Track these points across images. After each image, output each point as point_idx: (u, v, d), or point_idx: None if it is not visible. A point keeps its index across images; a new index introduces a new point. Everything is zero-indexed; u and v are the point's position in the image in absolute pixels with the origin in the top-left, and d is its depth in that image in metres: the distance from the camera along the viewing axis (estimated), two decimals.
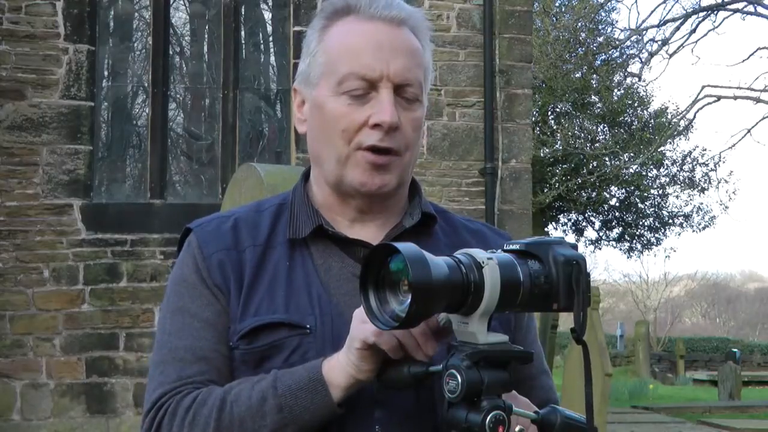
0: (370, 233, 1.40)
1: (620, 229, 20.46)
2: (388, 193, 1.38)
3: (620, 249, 20.84)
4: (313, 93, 1.40)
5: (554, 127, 18.89)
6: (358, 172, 1.35)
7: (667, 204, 20.50)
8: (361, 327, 1.18)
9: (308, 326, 1.32)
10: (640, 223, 20.36)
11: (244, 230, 1.41)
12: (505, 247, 1.19)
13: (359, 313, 1.19)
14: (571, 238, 26.06)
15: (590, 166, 18.46)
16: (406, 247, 1.08)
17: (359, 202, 1.39)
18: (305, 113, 1.42)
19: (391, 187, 1.37)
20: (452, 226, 1.49)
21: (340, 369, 1.22)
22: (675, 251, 41.22)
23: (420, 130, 1.39)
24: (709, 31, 23.12)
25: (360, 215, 1.41)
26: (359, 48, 1.34)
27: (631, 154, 18.62)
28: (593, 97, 18.91)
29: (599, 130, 19.38)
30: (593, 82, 18.68)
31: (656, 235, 20.57)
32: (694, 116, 20.67)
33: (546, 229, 19.34)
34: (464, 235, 1.47)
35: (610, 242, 20.70)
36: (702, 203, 25.87)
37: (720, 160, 19.94)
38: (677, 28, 18.58)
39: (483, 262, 1.12)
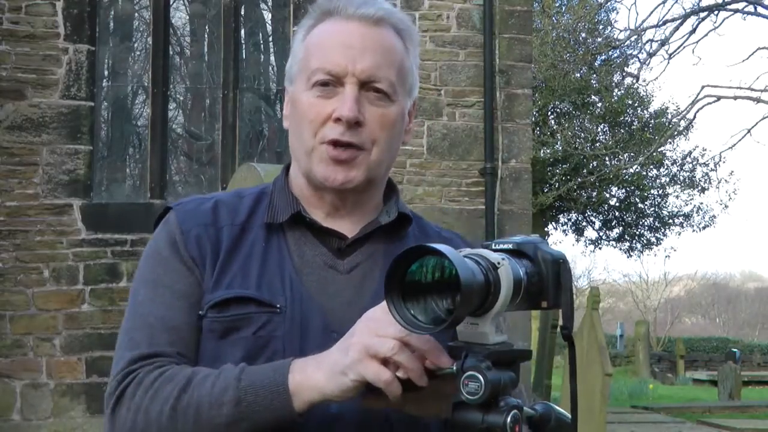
0: (345, 226, 1.43)
1: (620, 229, 20.47)
2: (354, 188, 1.40)
3: (620, 249, 20.85)
4: (291, 89, 1.45)
5: (554, 127, 18.90)
6: (322, 167, 1.38)
7: (667, 204, 20.52)
8: (372, 366, 1.15)
9: (278, 306, 1.34)
10: (640, 223, 20.37)
11: (223, 210, 1.44)
12: (494, 246, 1.19)
13: (363, 344, 1.16)
14: (571, 238, 26.06)
15: (590, 166, 18.48)
16: (446, 248, 1.08)
17: (332, 197, 1.42)
18: (288, 109, 1.47)
19: (357, 182, 1.39)
20: (425, 231, 1.52)
21: (314, 387, 1.20)
22: (675, 251, 41.21)
23: (392, 128, 1.40)
24: (710, 31, 23.08)
25: (334, 210, 1.44)
26: (329, 45, 1.39)
27: (631, 154, 18.63)
28: (593, 97, 18.92)
29: (599, 130, 19.38)
30: (593, 82, 18.69)
31: (656, 235, 20.58)
32: (694, 116, 20.65)
33: (546, 229, 19.34)
34: (436, 242, 1.48)
35: (610, 242, 20.71)
36: (702, 203, 25.89)
37: (720, 160, 19.96)
38: (676, 28, 18.57)
39: (498, 263, 1.13)
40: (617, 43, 18.97)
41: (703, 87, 18.92)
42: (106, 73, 7.64)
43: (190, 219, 1.42)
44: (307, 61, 1.41)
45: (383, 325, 1.14)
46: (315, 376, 1.20)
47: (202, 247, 1.39)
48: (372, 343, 1.15)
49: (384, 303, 1.12)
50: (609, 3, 19.14)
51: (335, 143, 1.36)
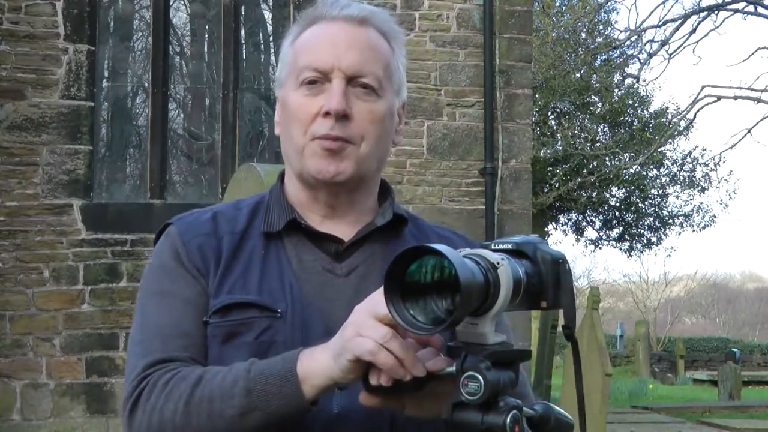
0: (341, 230, 1.44)
1: (620, 229, 20.47)
2: (345, 183, 1.41)
3: (620, 249, 20.85)
4: (282, 92, 1.48)
5: (554, 127, 18.90)
6: (314, 160, 1.40)
7: (667, 204, 20.51)
8: (358, 341, 1.16)
9: (279, 310, 1.36)
10: (640, 223, 20.37)
11: (222, 221, 1.46)
12: (493, 246, 1.19)
13: (355, 323, 1.18)
14: (571, 238, 26.06)
15: (590, 166, 18.47)
16: (446, 248, 1.08)
17: (326, 196, 1.44)
18: (279, 114, 1.50)
19: (347, 175, 1.40)
20: (422, 230, 1.53)
21: (321, 371, 1.22)
22: (675, 251, 41.16)
23: (380, 123, 1.42)
24: (710, 31, 23.15)
25: (330, 211, 1.45)
26: (315, 44, 1.43)
27: (631, 154, 18.64)
28: (593, 97, 18.92)
29: (599, 130, 19.39)
30: (593, 82, 18.69)
31: (656, 235, 20.58)
32: (695, 116, 20.67)
33: (546, 229, 19.34)
34: (434, 241, 1.47)
35: (610, 242, 20.71)
36: (702, 203, 25.83)
37: (720, 160, 19.96)
38: (677, 29, 18.58)
39: (498, 263, 1.13)
40: (617, 43, 18.98)
41: (703, 87, 18.94)
42: (106, 73, 7.64)
43: (191, 230, 1.45)
44: (295, 62, 1.44)
45: (381, 307, 1.15)
46: (321, 360, 1.22)
47: (205, 255, 1.41)
48: (365, 326, 1.16)
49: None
50: (609, 3, 19.14)
51: (325, 138, 1.39)
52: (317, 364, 1.22)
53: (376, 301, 1.17)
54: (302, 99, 1.41)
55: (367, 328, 1.16)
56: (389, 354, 1.15)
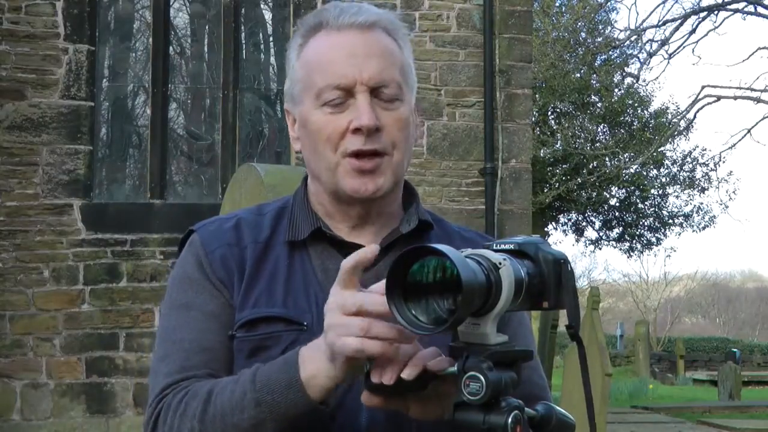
0: (367, 239, 1.42)
1: (620, 229, 20.47)
2: (383, 196, 1.40)
3: (620, 249, 20.86)
4: (298, 109, 1.43)
5: (554, 127, 18.90)
6: (349, 180, 1.37)
7: (667, 204, 20.52)
8: (341, 342, 1.15)
9: (305, 323, 1.35)
10: (640, 223, 20.37)
11: (245, 229, 1.44)
12: (495, 247, 1.19)
13: (331, 325, 1.17)
14: (571, 238, 26.07)
15: (590, 166, 18.48)
16: (447, 248, 1.08)
17: (359, 210, 1.42)
18: (297, 131, 1.46)
19: (386, 189, 1.39)
20: (447, 234, 1.52)
21: (324, 374, 1.21)
22: (675, 251, 41.14)
23: (407, 128, 1.41)
24: (710, 31, 23.18)
25: (360, 221, 1.43)
26: (331, 59, 1.38)
27: (631, 154, 18.64)
28: (593, 97, 18.93)
29: (599, 130, 19.40)
30: (593, 82, 18.70)
31: (656, 235, 20.58)
32: (694, 116, 20.69)
33: (546, 229, 19.35)
34: (458, 244, 1.47)
35: (610, 242, 20.71)
36: (702, 203, 25.83)
37: (720, 160, 19.97)
38: (677, 29, 18.61)
39: (499, 264, 1.13)
40: (617, 43, 19.00)
41: (703, 87, 18.98)
42: (106, 73, 7.64)
43: (214, 239, 1.42)
44: (310, 79, 1.39)
45: (344, 297, 1.15)
46: (321, 366, 1.21)
47: (228, 267, 1.39)
48: (340, 325, 1.15)
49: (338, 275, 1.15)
50: (609, 3, 19.16)
51: (357, 154, 1.36)
52: (319, 371, 1.21)
53: (337, 293, 1.17)
54: (327, 117, 1.37)
55: (342, 326, 1.15)
56: (375, 341, 1.13)
